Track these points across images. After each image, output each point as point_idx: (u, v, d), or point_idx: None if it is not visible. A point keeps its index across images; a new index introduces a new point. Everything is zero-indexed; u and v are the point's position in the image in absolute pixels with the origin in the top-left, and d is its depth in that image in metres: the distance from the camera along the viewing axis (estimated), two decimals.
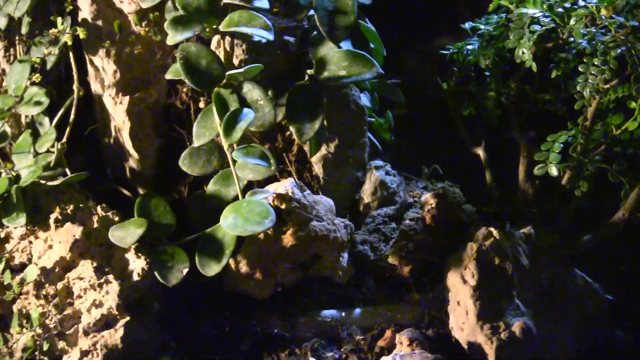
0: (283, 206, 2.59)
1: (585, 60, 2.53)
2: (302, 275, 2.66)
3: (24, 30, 2.84)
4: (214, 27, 2.61)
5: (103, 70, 2.81)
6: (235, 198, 2.58)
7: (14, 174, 2.70)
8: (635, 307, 2.87)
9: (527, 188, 2.84)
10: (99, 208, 2.68)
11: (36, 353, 2.58)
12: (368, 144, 2.92)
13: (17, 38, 2.88)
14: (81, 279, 2.59)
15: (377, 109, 3.12)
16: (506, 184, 2.94)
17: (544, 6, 2.62)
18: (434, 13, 3.57)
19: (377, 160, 2.95)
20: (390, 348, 2.53)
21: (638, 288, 2.98)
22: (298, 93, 2.66)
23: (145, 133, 2.82)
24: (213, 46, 2.73)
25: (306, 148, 2.78)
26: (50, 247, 2.65)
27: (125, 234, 2.56)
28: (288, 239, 2.59)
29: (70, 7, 2.78)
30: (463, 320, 2.54)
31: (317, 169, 2.82)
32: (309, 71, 2.67)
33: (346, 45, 2.71)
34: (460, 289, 2.55)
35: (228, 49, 2.70)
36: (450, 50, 2.99)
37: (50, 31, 2.74)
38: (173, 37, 2.59)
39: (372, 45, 2.85)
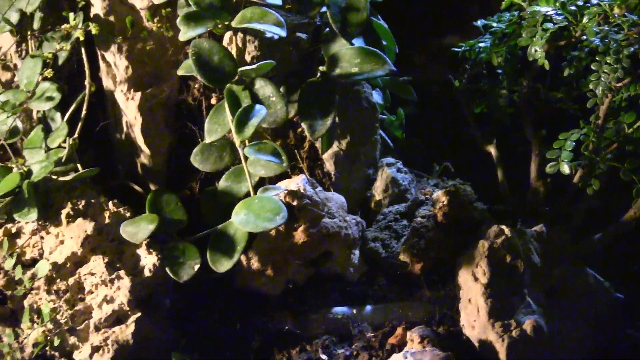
0: (295, 203, 2.60)
1: (597, 58, 2.53)
2: (313, 272, 2.66)
3: (36, 25, 2.83)
4: (227, 23, 2.60)
5: (115, 66, 2.81)
6: (247, 194, 2.57)
7: (25, 169, 2.70)
8: None
9: (539, 186, 2.84)
10: (110, 204, 2.68)
11: (47, 348, 2.59)
12: (380, 141, 2.92)
13: (29, 33, 2.87)
14: (92, 274, 2.60)
15: (389, 106, 3.12)
16: (518, 181, 2.94)
17: (557, 4, 2.61)
18: (442, 11, 3.57)
19: (389, 158, 2.95)
20: (401, 345, 2.53)
21: None
22: (310, 90, 2.65)
23: (156, 129, 2.82)
24: (225, 42, 2.73)
25: (318, 145, 2.78)
26: (62, 242, 2.65)
27: (137, 230, 2.56)
28: (299, 236, 2.59)
29: (83, 3, 2.77)
30: (474, 318, 2.54)
31: (329, 166, 2.82)
32: (321, 68, 2.67)
33: (358, 42, 2.70)
34: (472, 286, 2.55)
35: (240, 45, 2.70)
36: (462, 48, 2.98)
37: (63, 26, 2.74)
38: (185, 33, 2.58)
39: (384, 43, 2.85)
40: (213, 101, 2.79)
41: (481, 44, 2.92)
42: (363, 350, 2.55)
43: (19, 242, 2.70)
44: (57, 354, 2.59)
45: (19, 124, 2.83)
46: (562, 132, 2.63)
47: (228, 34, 2.72)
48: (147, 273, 2.57)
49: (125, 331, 2.53)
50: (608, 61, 2.49)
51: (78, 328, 2.57)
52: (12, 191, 2.66)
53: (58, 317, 2.57)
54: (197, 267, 2.54)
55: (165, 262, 2.56)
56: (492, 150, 3.00)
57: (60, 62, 2.81)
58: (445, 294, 2.66)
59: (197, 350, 2.59)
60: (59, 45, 2.78)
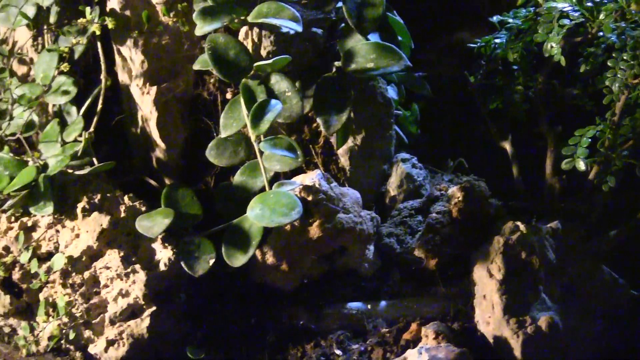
0: (310, 198, 2.60)
1: (614, 55, 2.52)
2: (328, 267, 2.66)
3: (52, 19, 2.85)
4: (242, 18, 2.61)
5: (131, 60, 2.82)
6: (262, 189, 2.57)
7: (41, 162, 2.71)
8: None
9: (554, 182, 2.83)
10: (126, 198, 2.69)
11: (62, 341, 2.60)
12: (394, 136, 2.91)
13: (45, 27, 2.89)
14: (108, 268, 2.60)
15: (403, 101, 3.11)
16: (533, 178, 2.93)
17: (573, 0, 2.61)
18: (452, 7, 3.56)
19: (404, 153, 2.95)
20: (415, 341, 2.53)
21: None
22: (325, 85, 2.65)
23: (172, 123, 2.83)
24: (241, 37, 2.73)
25: (333, 140, 2.78)
26: (77, 236, 2.66)
27: (152, 224, 2.57)
28: (314, 231, 2.59)
29: None
30: (489, 314, 2.54)
31: (344, 161, 2.82)
32: (336, 63, 2.67)
33: (374, 37, 2.70)
34: (487, 282, 2.55)
35: (256, 40, 2.70)
36: (478, 44, 2.98)
37: (79, 21, 2.75)
38: (201, 28, 2.59)
39: (399, 38, 2.85)
40: (228, 96, 2.79)
41: (497, 40, 2.91)
42: (377, 346, 2.54)
43: (35, 235, 2.70)
44: (72, 347, 2.60)
45: (35, 118, 2.84)
46: (577, 129, 2.62)
47: (244, 29, 2.72)
48: (162, 267, 2.58)
49: (141, 325, 2.54)
50: (624, 58, 2.49)
51: (93, 321, 2.58)
52: (28, 185, 2.67)
53: (73, 310, 2.58)
54: (212, 261, 2.55)
55: (180, 257, 2.56)
56: (507, 146, 3.00)
57: (76, 56, 2.82)
58: (460, 290, 2.65)
59: (212, 344, 2.59)
60: (75, 40, 2.79)
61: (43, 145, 2.79)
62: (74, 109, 2.83)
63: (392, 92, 2.92)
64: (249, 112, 2.51)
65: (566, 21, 2.58)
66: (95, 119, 2.76)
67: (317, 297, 2.66)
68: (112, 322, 2.56)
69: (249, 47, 2.67)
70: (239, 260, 2.53)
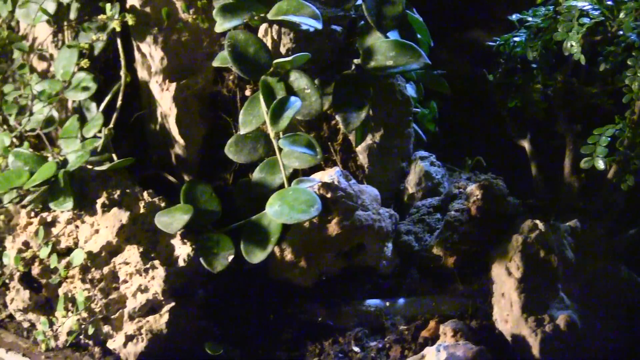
0: (328, 195, 2.60)
1: (634, 53, 2.52)
2: (346, 264, 2.66)
3: (72, 15, 2.86)
4: (262, 15, 2.61)
5: (150, 56, 2.83)
6: (281, 186, 2.58)
7: (61, 158, 2.72)
8: None
9: (573, 181, 2.83)
10: (145, 194, 2.69)
11: (81, 337, 2.61)
12: (413, 134, 2.91)
13: (65, 23, 2.90)
14: (127, 263, 2.61)
15: (421, 99, 3.12)
16: (551, 176, 2.93)
17: None
18: (468, 6, 3.56)
19: (422, 151, 2.95)
20: (434, 339, 2.52)
21: None
22: (345, 82, 2.65)
23: (191, 120, 2.84)
24: (260, 34, 2.73)
25: (351, 137, 2.78)
26: (97, 231, 2.67)
27: (172, 220, 2.57)
28: (333, 228, 2.59)
29: None
30: (507, 312, 2.54)
31: (362, 159, 2.82)
32: (355, 61, 2.67)
33: (393, 35, 2.70)
34: (505, 280, 2.55)
35: (275, 37, 2.71)
36: (497, 42, 2.98)
37: (99, 17, 2.76)
38: (221, 25, 2.60)
39: (418, 36, 2.85)
40: (247, 93, 2.80)
41: (516, 38, 2.91)
42: (395, 343, 2.55)
43: (54, 231, 2.71)
44: (91, 342, 2.61)
45: (55, 114, 2.86)
46: (596, 128, 2.61)
47: (263, 26, 2.73)
48: (181, 263, 2.58)
49: (159, 320, 2.54)
50: None
51: (112, 317, 2.58)
52: (48, 180, 2.68)
53: (92, 305, 2.59)
54: (230, 258, 2.55)
55: (199, 253, 2.57)
56: (525, 145, 2.99)
57: (96, 52, 2.84)
58: (478, 288, 2.65)
59: (230, 340, 2.60)
60: (95, 36, 2.80)
61: (63, 141, 2.80)
62: (93, 105, 2.84)
63: (410, 90, 2.92)
64: (268, 109, 2.52)
65: (586, 20, 2.57)
66: (114, 115, 2.77)
67: (335, 294, 2.66)
68: (131, 318, 2.57)
69: (269, 44, 2.68)
70: (257, 256, 2.54)
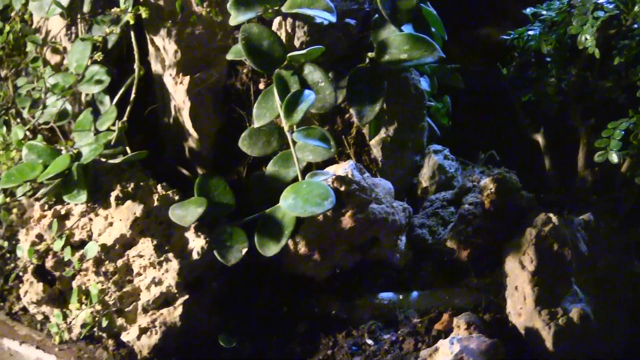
0: (342, 188, 2.60)
1: None
2: (360, 257, 2.66)
3: (86, 8, 2.86)
4: (276, 8, 2.61)
5: (164, 50, 2.82)
6: (295, 179, 2.58)
7: (74, 151, 2.72)
8: None
9: (587, 175, 2.83)
10: (159, 187, 2.69)
11: (95, 329, 2.62)
12: (427, 128, 2.91)
13: (79, 16, 2.90)
14: (141, 256, 2.61)
15: (435, 93, 3.11)
16: (565, 170, 2.93)
17: None
18: (479, 1, 3.55)
19: (435, 145, 2.95)
20: (447, 331, 2.53)
21: None
22: (359, 76, 2.65)
23: (205, 113, 2.83)
24: (274, 27, 2.73)
25: (365, 131, 2.78)
26: (111, 224, 2.67)
27: (186, 213, 2.57)
28: (347, 221, 2.59)
29: None
30: (520, 306, 2.54)
31: (376, 152, 2.82)
32: (369, 54, 2.66)
33: (407, 28, 2.69)
34: (519, 274, 2.55)
35: (289, 30, 2.70)
36: (511, 36, 2.98)
37: (112, 10, 2.74)
38: (235, 18, 2.59)
39: (432, 30, 2.84)
40: (261, 86, 2.80)
41: (530, 32, 2.91)
42: (409, 336, 2.55)
43: (68, 223, 2.72)
44: (104, 334, 2.62)
45: (68, 107, 2.85)
46: (610, 121, 2.61)
47: (277, 19, 2.72)
48: (195, 256, 2.58)
49: (173, 313, 2.55)
50: None
51: (126, 309, 2.59)
52: (62, 173, 2.68)
53: (106, 298, 2.60)
54: (244, 250, 2.55)
55: (213, 246, 2.56)
56: (539, 138, 2.99)
57: (109, 45, 2.83)
58: (492, 281, 2.65)
59: (244, 333, 2.60)
60: (108, 29, 2.79)
61: (76, 134, 2.80)
62: (107, 98, 2.84)
63: (424, 84, 2.92)
64: (282, 102, 2.52)
65: (600, 13, 2.58)
66: (128, 109, 2.76)
67: (349, 287, 2.66)
68: (145, 310, 2.57)
69: (283, 37, 2.67)
70: (271, 249, 2.54)
